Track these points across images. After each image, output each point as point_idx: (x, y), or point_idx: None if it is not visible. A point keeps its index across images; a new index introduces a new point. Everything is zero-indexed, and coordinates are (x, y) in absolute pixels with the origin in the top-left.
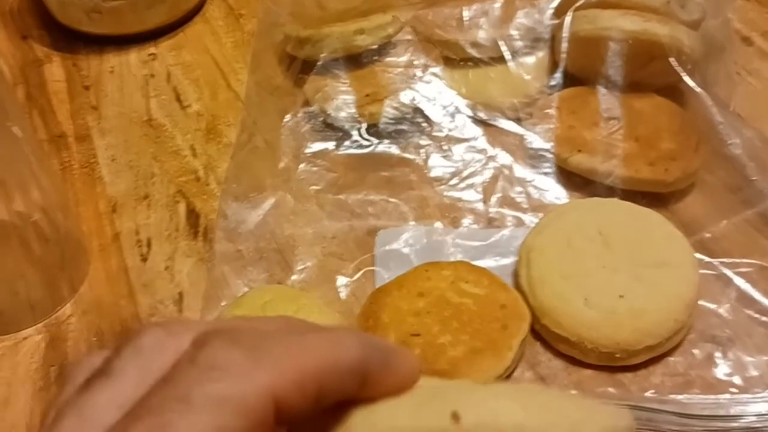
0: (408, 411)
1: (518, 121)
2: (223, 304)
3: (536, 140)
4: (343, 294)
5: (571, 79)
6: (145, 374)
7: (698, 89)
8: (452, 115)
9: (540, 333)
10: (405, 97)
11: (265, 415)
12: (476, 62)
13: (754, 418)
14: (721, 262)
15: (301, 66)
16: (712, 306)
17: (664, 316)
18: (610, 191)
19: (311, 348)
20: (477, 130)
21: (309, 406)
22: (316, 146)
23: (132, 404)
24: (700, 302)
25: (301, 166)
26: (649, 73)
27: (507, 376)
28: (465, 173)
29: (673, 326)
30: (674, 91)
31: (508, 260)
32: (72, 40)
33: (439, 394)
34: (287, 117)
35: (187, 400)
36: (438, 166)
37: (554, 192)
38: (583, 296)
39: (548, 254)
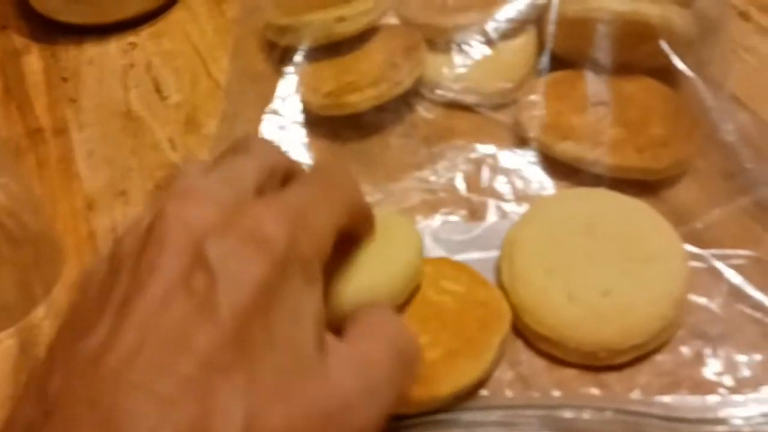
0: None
1: (504, 106)
2: None
3: (522, 127)
4: None
5: (558, 63)
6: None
7: (690, 73)
8: (436, 103)
9: (521, 331)
10: (387, 84)
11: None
12: (460, 46)
13: (742, 422)
14: (713, 254)
15: (282, 54)
16: (703, 301)
17: (651, 313)
18: (598, 180)
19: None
20: (461, 117)
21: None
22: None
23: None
24: (690, 297)
25: None
26: (640, 55)
27: (486, 377)
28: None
29: (661, 324)
30: (667, 73)
31: (493, 254)
32: (51, 31)
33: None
34: (268, 107)
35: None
36: (420, 154)
37: (540, 182)
38: (567, 292)
39: (532, 248)
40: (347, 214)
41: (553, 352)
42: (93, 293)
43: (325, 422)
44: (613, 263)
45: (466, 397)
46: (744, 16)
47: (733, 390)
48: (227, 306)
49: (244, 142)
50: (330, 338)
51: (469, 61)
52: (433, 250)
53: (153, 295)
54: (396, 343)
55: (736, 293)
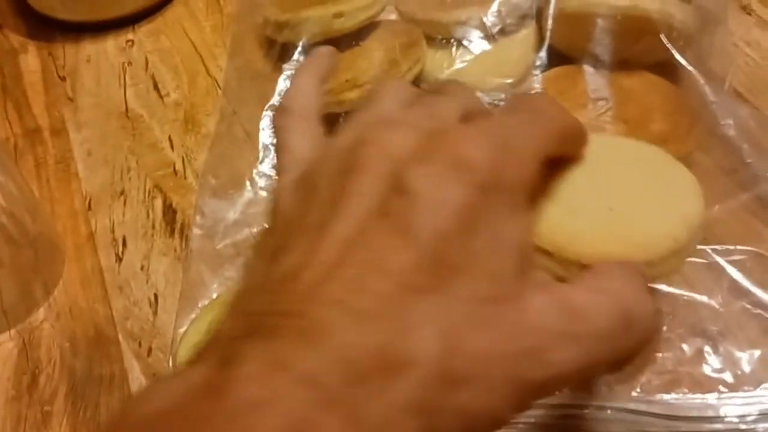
0: None
1: (504, 102)
2: (199, 305)
3: None
4: None
5: (558, 58)
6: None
7: (689, 67)
8: None
9: None
10: (386, 81)
11: None
12: (460, 42)
13: (745, 419)
14: (714, 250)
15: (281, 50)
16: (703, 298)
17: (661, 231)
18: None
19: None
20: None
21: None
22: None
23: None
24: (691, 294)
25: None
26: (640, 50)
27: None
28: None
29: (671, 245)
30: (667, 68)
31: None
32: (48, 29)
33: None
34: (267, 104)
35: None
36: None
37: None
38: (569, 209)
39: None
40: (556, 139)
41: (550, 269)
42: (287, 214)
43: (518, 356)
44: (621, 186)
45: None
46: (745, 9)
47: (732, 387)
48: (424, 228)
49: (443, 86)
50: (542, 276)
51: (468, 56)
52: None
53: (351, 218)
54: (625, 303)
55: (737, 289)
